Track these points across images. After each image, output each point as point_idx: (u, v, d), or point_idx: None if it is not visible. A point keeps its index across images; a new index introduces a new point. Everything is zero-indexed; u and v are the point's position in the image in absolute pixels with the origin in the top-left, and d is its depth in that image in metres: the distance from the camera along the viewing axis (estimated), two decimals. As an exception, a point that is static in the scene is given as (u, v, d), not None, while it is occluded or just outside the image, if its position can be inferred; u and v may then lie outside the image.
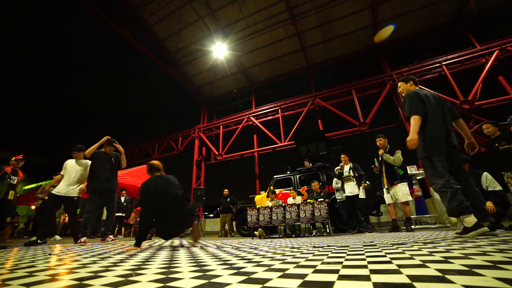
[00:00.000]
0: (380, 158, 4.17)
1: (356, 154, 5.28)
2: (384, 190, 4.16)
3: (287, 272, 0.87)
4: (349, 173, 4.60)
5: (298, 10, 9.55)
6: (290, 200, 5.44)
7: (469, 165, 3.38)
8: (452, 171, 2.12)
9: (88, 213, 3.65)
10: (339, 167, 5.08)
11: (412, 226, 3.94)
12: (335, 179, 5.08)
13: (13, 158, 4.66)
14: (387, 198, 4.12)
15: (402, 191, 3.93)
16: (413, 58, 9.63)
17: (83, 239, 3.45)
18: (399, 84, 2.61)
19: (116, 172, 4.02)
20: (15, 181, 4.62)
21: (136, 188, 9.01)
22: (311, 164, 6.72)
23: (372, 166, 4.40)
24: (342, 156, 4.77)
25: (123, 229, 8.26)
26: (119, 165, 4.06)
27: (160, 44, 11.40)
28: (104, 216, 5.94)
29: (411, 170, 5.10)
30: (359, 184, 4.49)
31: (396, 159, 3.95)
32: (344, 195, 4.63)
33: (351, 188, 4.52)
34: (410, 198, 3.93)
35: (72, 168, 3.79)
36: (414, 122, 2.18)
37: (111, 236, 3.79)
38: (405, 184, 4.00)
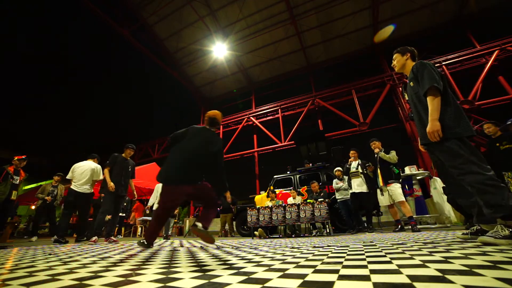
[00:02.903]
0: (376, 157, 4.20)
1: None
2: (378, 191, 4.18)
3: (287, 272, 0.87)
4: (357, 169, 4.60)
5: (298, 10, 9.55)
6: (290, 200, 5.43)
7: None
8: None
9: (102, 213, 3.75)
10: (338, 168, 5.08)
11: (418, 226, 3.94)
12: (335, 180, 5.08)
13: (15, 158, 4.66)
14: (382, 199, 4.12)
15: (397, 191, 3.95)
16: (413, 58, 9.63)
17: (94, 238, 3.57)
18: (394, 56, 2.15)
19: (128, 181, 4.16)
20: (18, 181, 4.63)
21: (136, 188, 9.02)
22: (311, 165, 6.72)
23: (367, 165, 4.44)
24: (352, 152, 4.76)
25: (123, 229, 8.26)
26: (133, 175, 4.26)
27: (160, 44, 11.40)
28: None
29: (411, 170, 5.10)
30: (367, 181, 4.49)
31: (391, 156, 4.06)
32: (350, 191, 4.61)
33: (358, 185, 4.51)
34: (403, 198, 3.95)
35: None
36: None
37: (113, 237, 3.84)
38: (399, 184, 4.04)
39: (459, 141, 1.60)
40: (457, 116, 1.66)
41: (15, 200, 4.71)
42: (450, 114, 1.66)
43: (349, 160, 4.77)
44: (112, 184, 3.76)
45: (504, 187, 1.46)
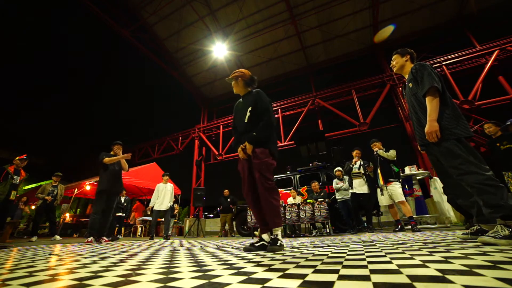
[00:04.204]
0: (376, 156, 4.22)
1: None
2: (378, 190, 4.18)
3: (287, 272, 0.87)
4: (359, 169, 4.60)
5: (298, 10, 9.55)
6: (290, 200, 5.44)
7: None
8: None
9: (94, 214, 3.73)
10: (338, 168, 5.08)
11: (418, 226, 3.95)
12: (335, 180, 5.08)
13: (16, 158, 4.67)
14: (382, 199, 4.13)
15: (398, 191, 3.96)
16: (413, 58, 9.65)
17: (89, 239, 3.56)
18: (394, 57, 2.14)
19: (121, 176, 4.11)
20: (18, 181, 4.64)
21: (136, 189, 9.02)
22: (310, 164, 6.72)
23: (366, 165, 4.45)
24: (356, 151, 4.76)
25: (123, 229, 8.26)
26: (124, 169, 4.20)
27: (160, 44, 11.40)
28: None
29: (411, 170, 5.10)
30: (369, 182, 4.49)
31: (390, 153, 4.10)
32: (351, 191, 4.61)
33: (359, 185, 4.51)
34: (403, 198, 3.96)
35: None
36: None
37: (105, 238, 3.79)
38: (399, 183, 4.06)
39: (458, 141, 1.60)
40: (455, 117, 1.66)
41: (14, 200, 4.72)
42: (448, 115, 1.67)
43: (353, 160, 4.76)
44: (123, 155, 3.96)
45: (503, 187, 1.46)
